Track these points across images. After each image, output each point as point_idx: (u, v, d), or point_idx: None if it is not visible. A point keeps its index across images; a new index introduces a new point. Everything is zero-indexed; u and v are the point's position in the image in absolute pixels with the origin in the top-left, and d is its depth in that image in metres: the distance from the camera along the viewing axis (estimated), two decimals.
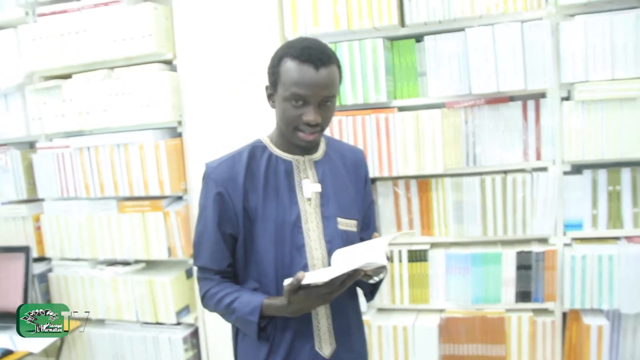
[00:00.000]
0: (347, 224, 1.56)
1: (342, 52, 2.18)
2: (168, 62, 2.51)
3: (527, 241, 2.23)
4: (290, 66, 1.39)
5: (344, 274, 1.31)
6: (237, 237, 1.52)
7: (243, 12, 2.33)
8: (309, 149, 1.53)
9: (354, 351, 1.59)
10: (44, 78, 2.65)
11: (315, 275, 1.34)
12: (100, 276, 2.62)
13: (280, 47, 1.43)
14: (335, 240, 1.51)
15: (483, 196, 2.19)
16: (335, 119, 2.20)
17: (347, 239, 1.51)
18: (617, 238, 2.13)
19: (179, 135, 2.53)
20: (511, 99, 2.14)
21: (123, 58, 2.45)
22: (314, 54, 1.38)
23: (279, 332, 1.50)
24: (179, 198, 2.61)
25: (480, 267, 2.21)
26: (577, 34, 1.99)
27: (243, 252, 1.52)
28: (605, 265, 2.08)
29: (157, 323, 2.60)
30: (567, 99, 2.09)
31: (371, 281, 1.49)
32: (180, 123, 2.50)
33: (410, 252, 2.28)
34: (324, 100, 1.41)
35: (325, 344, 1.53)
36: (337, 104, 2.10)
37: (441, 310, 2.29)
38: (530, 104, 2.12)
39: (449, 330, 2.24)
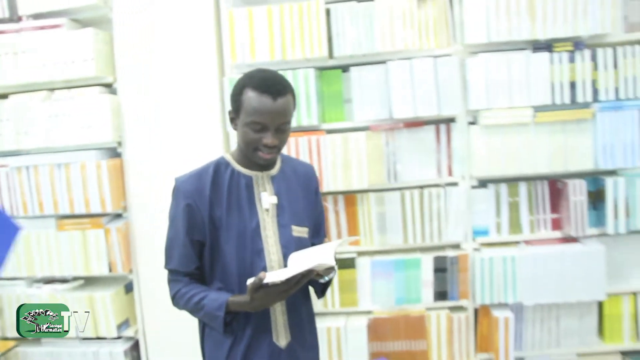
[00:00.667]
0: (300, 231, 1.73)
1: None
2: (108, 86, 2.62)
3: (442, 247, 2.53)
4: (251, 96, 1.55)
5: (298, 274, 1.49)
6: (205, 242, 1.66)
7: (183, 40, 2.49)
8: (267, 166, 1.70)
9: (307, 343, 1.77)
10: None
11: (274, 275, 1.51)
12: (38, 294, 2.67)
13: (241, 77, 1.60)
14: (290, 245, 1.68)
15: (403, 208, 2.47)
16: None
17: (300, 244, 1.68)
18: (517, 242, 2.47)
19: (119, 155, 2.64)
20: (426, 123, 2.44)
21: (63, 80, 2.54)
22: (272, 85, 1.55)
23: (241, 326, 1.66)
24: (119, 215, 2.71)
25: (402, 271, 2.49)
26: (480, 69, 2.33)
27: (209, 256, 1.67)
28: (509, 266, 2.41)
29: (97, 338, 2.67)
30: (473, 123, 2.42)
31: (322, 280, 1.69)
32: (120, 144, 2.62)
33: (339, 260, 2.52)
34: (280, 125, 1.58)
35: (281, 337, 1.70)
36: None
37: (369, 312, 2.55)
38: (443, 127, 2.43)
39: (377, 329, 2.50)
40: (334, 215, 2.53)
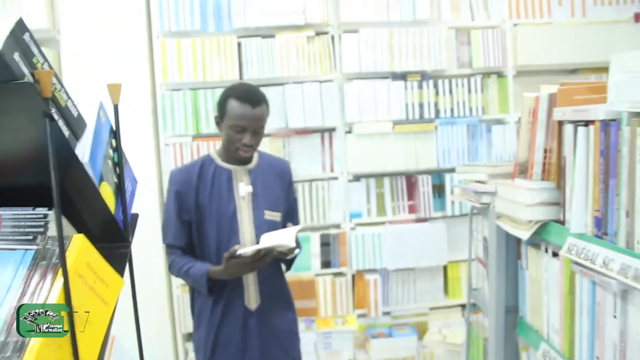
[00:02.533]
0: (273, 215, 2.06)
1: (199, 97, 3.10)
2: None
3: (327, 227, 3.32)
4: (234, 104, 1.91)
5: (262, 249, 1.81)
6: (192, 223, 2.02)
7: (121, 64, 3.13)
8: (245, 161, 2.04)
9: (277, 309, 2.11)
10: None
11: (245, 249, 1.83)
12: None
13: (226, 89, 2.02)
14: (262, 227, 2.01)
15: (298, 198, 3.24)
16: (194, 144, 3.10)
17: (272, 226, 2.01)
18: (383, 222, 3.30)
19: None
20: (314, 131, 3.23)
21: None
22: (252, 96, 1.91)
23: (220, 290, 2.02)
24: None
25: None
26: (354, 91, 3.16)
27: (196, 234, 2.03)
28: (376, 240, 3.23)
29: None
30: (349, 132, 3.24)
31: (288, 257, 2.00)
32: None
33: None
34: (256, 129, 1.94)
35: (252, 301, 2.05)
36: (196, 133, 3.03)
37: None
38: (326, 135, 3.24)
39: None
40: None
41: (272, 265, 2.03)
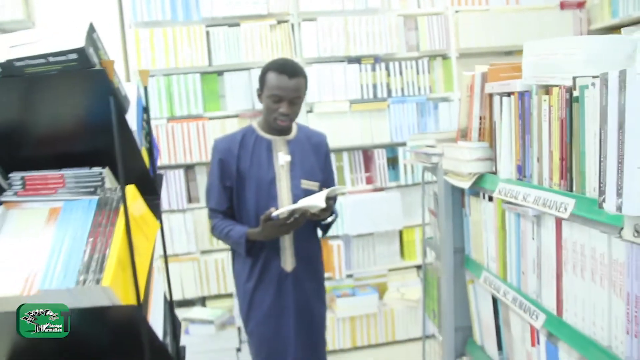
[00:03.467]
0: (309, 184, 2.17)
1: (172, 82, 3.37)
2: None
3: None
4: (272, 76, 2.04)
5: (295, 210, 1.93)
6: (233, 188, 2.14)
7: None
8: (283, 131, 2.16)
9: (311, 273, 2.23)
10: None
11: (279, 210, 1.97)
12: None
13: (266, 64, 2.13)
14: (299, 194, 2.12)
15: None
16: (169, 126, 3.37)
17: (309, 195, 2.08)
18: (343, 193, 3.67)
19: None
20: None
21: None
22: (288, 68, 2.02)
23: (258, 252, 2.14)
24: None
25: None
26: (314, 74, 3.50)
27: (237, 199, 2.15)
28: (339, 209, 3.52)
29: None
30: (310, 111, 3.58)
31: (324, 222, 2.20)
32: None
33: None
34: (293, 99, 2.04)
35: (288, 263, 2.16)
36: (170, 115, 3.31)
37: None
38: None
39: None
40: None
41: (309, 230, 2.18)
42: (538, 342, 1.55)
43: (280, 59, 2.15)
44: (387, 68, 3.60)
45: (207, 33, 3.41)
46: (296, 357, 2.20)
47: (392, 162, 3.70)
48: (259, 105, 3.44)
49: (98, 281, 1.14)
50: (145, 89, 1.43)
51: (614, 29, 3.53)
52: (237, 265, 2.28)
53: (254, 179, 2.13)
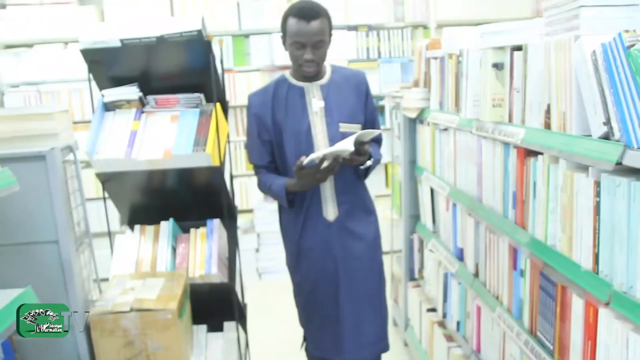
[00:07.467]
0: (349, 127, 2.07)
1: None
2: None
3: None
4: (291, 22, 1.96)
5: (325, 155, 1.89)
6: (272, 141, 2.12)
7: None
8: (313, 77, 2.09)
9: (354, 217, 2.16)
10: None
11: (309, 157, 1.96)
12: None
13: (286, 9, 2.06)
14: (336, 139, 2.01)
15: None
16: None
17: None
18: None
19: None
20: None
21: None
22: (307, 12, 1.91)
23: (300, 202, 2.14)
24: None
25: None
26: None
27: (277, 152, 2.14)
28: None
29: None
30: None
31: (362, 167, 2.09)
32: None
33: None
34: (316, 43, 1.94)
35: (330, 213, 2.12)
36: None
37: None
38: None
39: None
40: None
41: (349, 176, 2.13)
42: (448, 209, 2.72)
43: (298, 2, 2.02)
44: (378, 35, 4.71)
45: (237, 4, 4.52)
46: (345, 307, 2.17)
47: (380, 109, 4.82)
48: (278, 62, 4.54)
49: (204, 150, 2.29)
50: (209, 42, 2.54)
51: None
52: (284, 218, 2.30)
53: (290, 129, 2.10)
